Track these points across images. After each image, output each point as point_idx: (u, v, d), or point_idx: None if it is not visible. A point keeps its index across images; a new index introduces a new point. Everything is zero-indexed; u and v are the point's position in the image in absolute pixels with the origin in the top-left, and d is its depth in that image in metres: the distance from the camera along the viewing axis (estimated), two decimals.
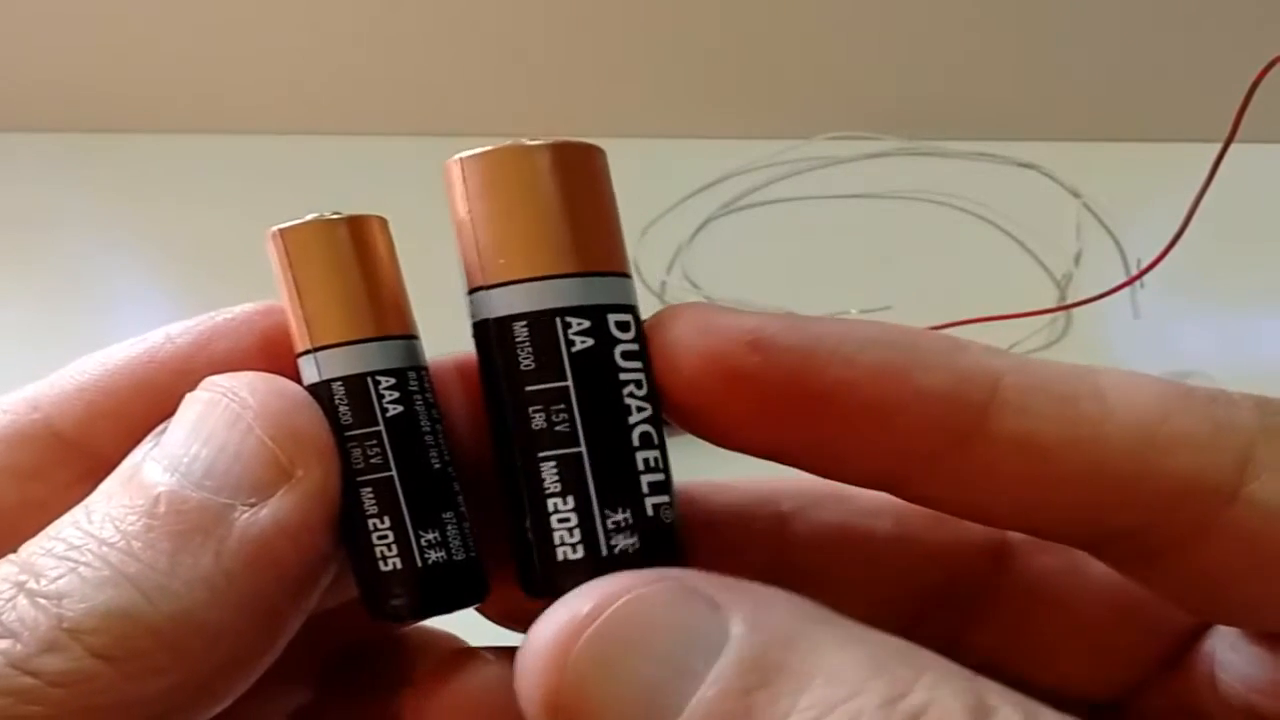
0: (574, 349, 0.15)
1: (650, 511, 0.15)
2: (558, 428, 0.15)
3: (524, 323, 0.15)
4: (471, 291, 0.15)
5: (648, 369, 0.15)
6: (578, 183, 0.15)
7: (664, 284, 0.56)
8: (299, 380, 0.16)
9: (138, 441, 0.16)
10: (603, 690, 0.13)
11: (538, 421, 0.15)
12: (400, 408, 0.16)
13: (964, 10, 0.62)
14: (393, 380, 0.16)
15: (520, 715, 0.16)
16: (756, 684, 0.12)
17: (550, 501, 0.15)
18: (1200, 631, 0.18)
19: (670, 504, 0.15)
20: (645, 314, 0.16)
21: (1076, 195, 0.60)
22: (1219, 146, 0.48)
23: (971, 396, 0.15)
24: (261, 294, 0.17)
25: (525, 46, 0.63)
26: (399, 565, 0.15)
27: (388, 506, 0.15)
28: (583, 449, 0.15)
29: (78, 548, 0.14)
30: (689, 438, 0.16)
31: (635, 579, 0.14)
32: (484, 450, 0.17)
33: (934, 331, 0.15)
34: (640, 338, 0.15)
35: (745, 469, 0.18)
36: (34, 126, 0.62)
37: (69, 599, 0.14)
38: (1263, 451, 0.14)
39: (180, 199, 0.60)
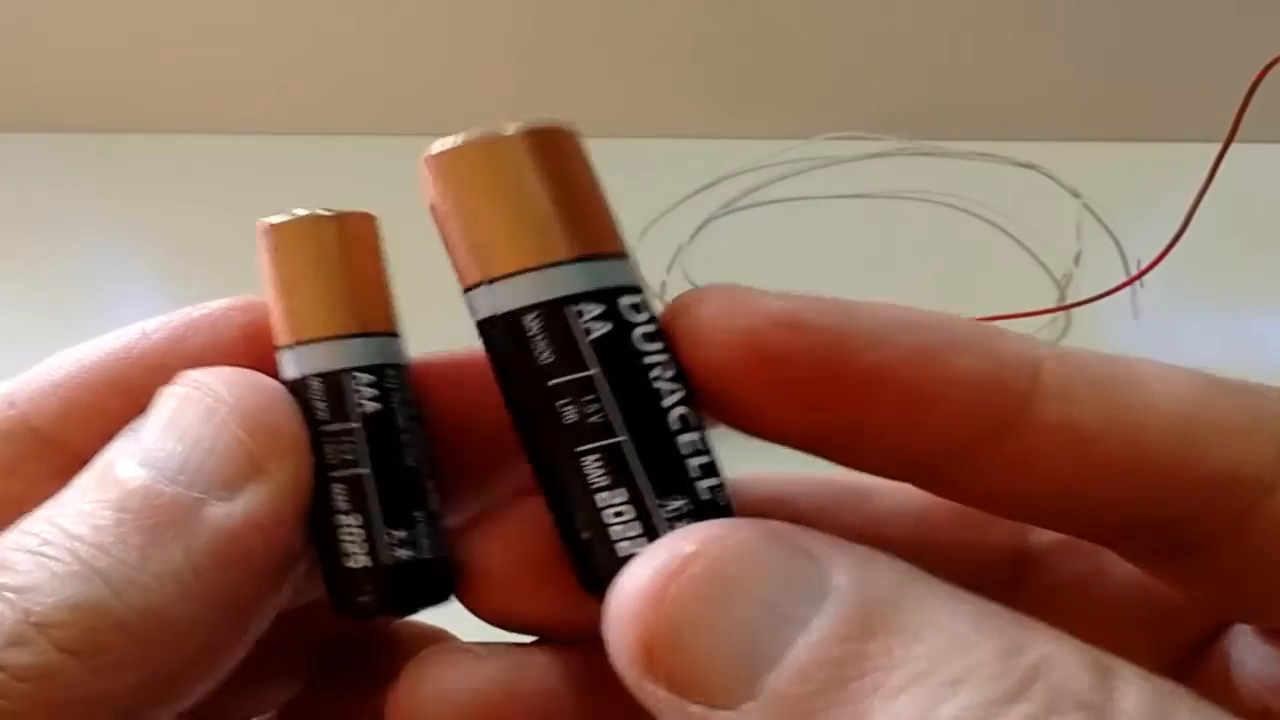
0: (592, 335, 0.14)
1: (705, 495, 0.14)
2: (591, 419, 0.14)
3: (534, 314, 0.14)
4: (469, 289, 0.15)
5: (670, 351, 0.15)
6: (560, 165, 0.15)
7: (664, 284, 0.56)
8: (278, 375, 0.16)
9: (112, 437, 0.16)
10: (702, 631, 0.12)
11: (569, 415, 0.14)
12: (377, 405, 0.16)
13: (964, 10, 0.62)
14: (370, 377, 0.16)
15: (503, 711, 0.16)
16: (863, 634, 0.12)
17: (600, 496, 0.14)
18: (1214, 634, 0.18)
19: (722, 487, 0.15)
20: None
21: (1076, 195, 0.60)
22: (1219, 146, 0.48)
23: (1014, 382, 0.14)
24: (259, 292, 0.17)
25: (524, 46, 0.63)
26: (366, 562, 0.15)
27: (358, 503, 0.15)
28: (625, 438, 0.14)
29: (49, 542, 0.14)
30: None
31: (734, 525, 0.13)
32: (476, 450, 0.17)
33: (967, 318, 0.15)
34: (654, 319, 0.15)
35: (763, 464, 0.18)
36: (34, 126, 0.63)
37: (37, 593, 0.14)
38: None
39: (179, 199, 0.60)
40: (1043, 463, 0.14)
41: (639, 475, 0.14)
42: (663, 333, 0.15)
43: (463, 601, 0.16)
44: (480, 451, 0.17)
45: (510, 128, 0.15)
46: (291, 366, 0.16)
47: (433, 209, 0.15)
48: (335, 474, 0.15)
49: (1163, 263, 0.50)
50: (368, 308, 0.16)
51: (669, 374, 0.14)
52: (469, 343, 0.17)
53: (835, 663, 0.12)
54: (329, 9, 0.62)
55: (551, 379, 0.14)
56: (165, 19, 0.61)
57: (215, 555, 0.14)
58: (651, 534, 0.14)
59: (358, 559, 0.15)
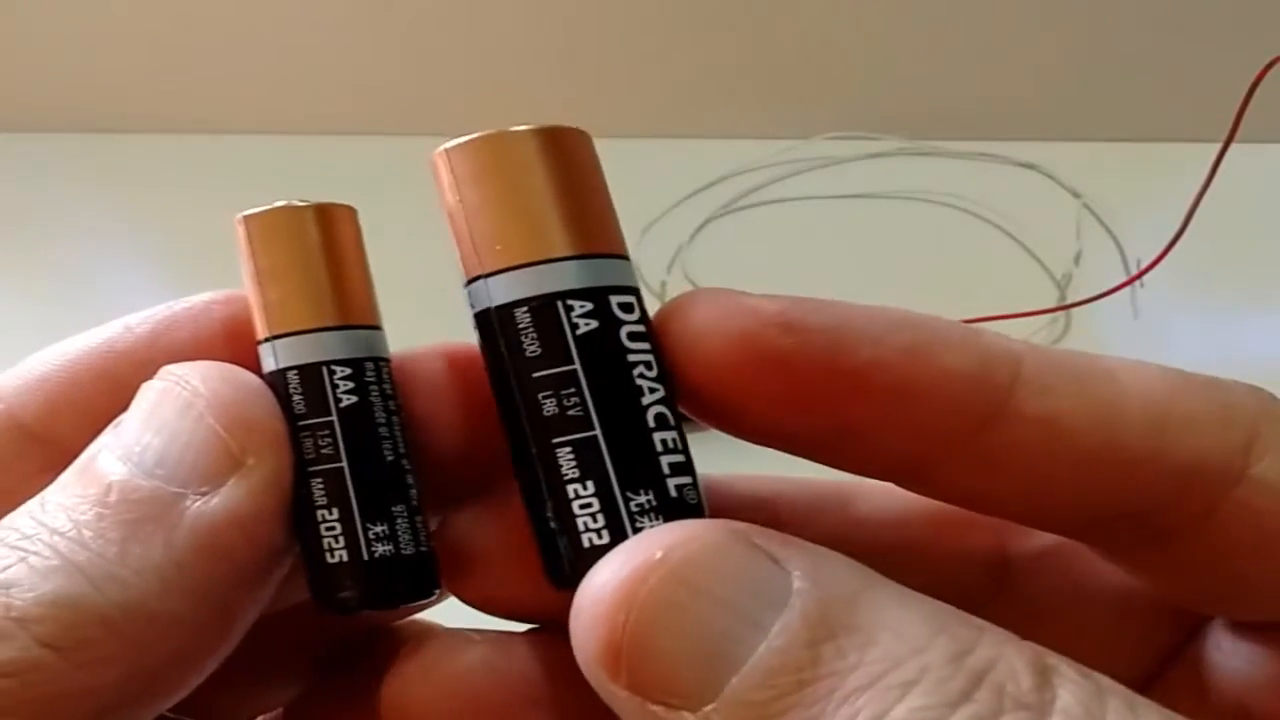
0: (578, 331, 0.15)
1: (674, 493, 0.15)
2: (570, 412, 0.14)
3: (526, 308, 0.15)
4: (469, 282, 0.15)
5: (656, 351, 0.15)
6: (567, 165, 0.15)
7: (664, 284, 0.56)
8: (259, 369, 0.16)
9: (99, 431, 0.16)
10: (667, 635, 0.13)
11: (549, 408, 0.15)
12: (354, 398, 0.16)
13: (965, 10, 0.62)
14: (348, 370, 0.16)
15: (498, 697, 0.16)
16: (822, 637, 0.12)
17: (570, 488, 0.14)
18: (1191, 636, 0.18)
19: (694, 485, 0.15)
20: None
21: (1076, 195, 0.60)
22: (1219, 146, 0.48)
23: (997, 376, 0.15)
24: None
25: (525, 46, 0.63)
26: (345, 557, 0.15)
27: (336, 498, 0.15)
28: (598, 432, 0.14)
29: (29, 537, 0.14)
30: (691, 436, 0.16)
31: (697, 526, 0.13)
32: (466, 442, 0.17)
33: (945, 318, 0.15)
34: (645, 319, 0.15)
35: (745, 467, 0.18)
36: (34, 126, 0.63)
37: (17, 588, 0.14)
38: (1265, 432, 0.15)
39: (179, 199, 0.60)
40: (1023, 455, 0.15)
41: (609, 468, 0.14)
42: (653, 333, 0.15)
43: (450, 587, 0.16)
44: (466, 446, 0.17)
45: (522, 127, 0.15)
46: (271, 360, 0.16)
47: (443, 204, 0.15)
48: (314, 468, 0.15)
49: (1163, 263, 0.50)
50: (346, 300, 0.16)
51: (652, 373, 0.15)
52: (458, 339, 0.17)
53: (795, 667, 0.12)
54: (329, 9, 0.62)
55: (536, 371, 0.15)
56: (165, 19, 0.61)
57: (196, 550, 0.14)
58: (615, 526, 0.14)
59: (337, 554, 0.15)
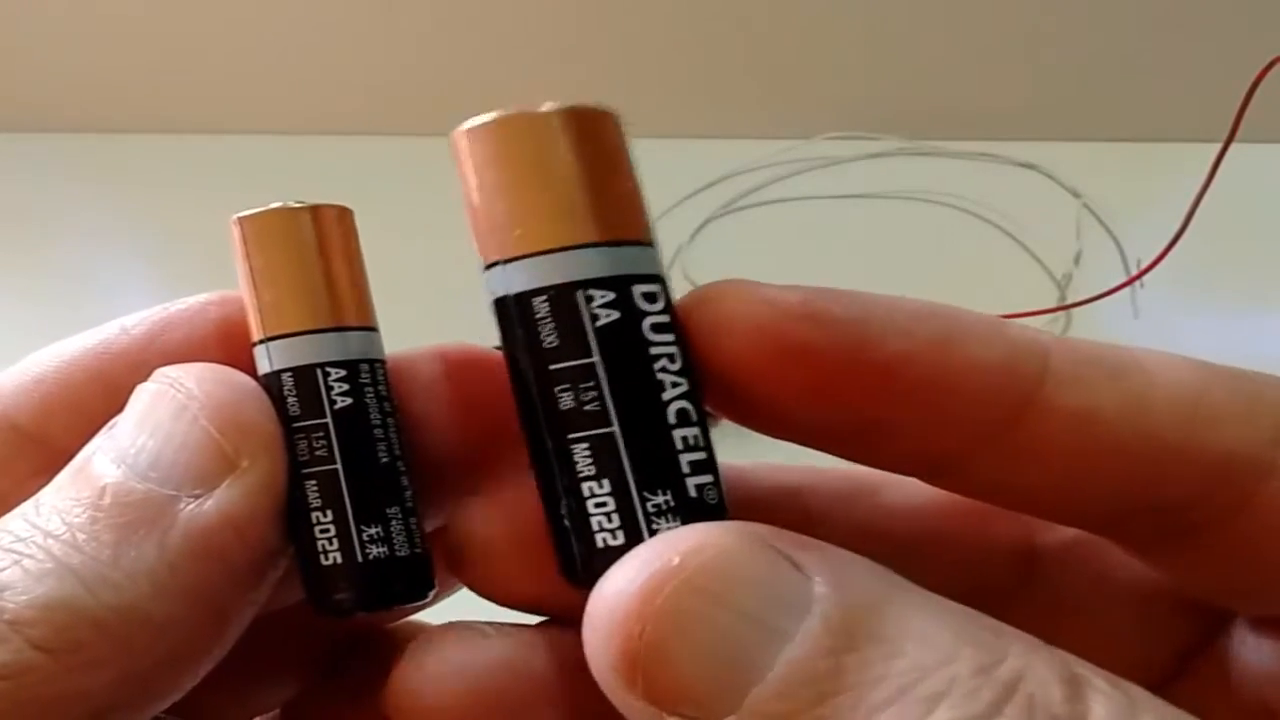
0: (599, 323, 0.14)
1: (693, 493, 0.14)
2: (587, 407, 0.14)
3: (544, 297, 0.14)
4: (487, 268, 0.15)
5: (681, 343, 0.14)
6: (593, 148, 0.15)
7: None
8: (255, 370, 0.16)
9: (94, 432, 0.16)
10: (686, 646, 0.12)
11: (566, 401, 0.14)
12: (349, 400, 0.16)
13: (965, 11, 0.61)
14: (343, 372, 0.16)
15: (518, 695, 0.15)
16: (846, 646, 0.12)
17: (585, 485, 0.14)
18: (1214, 631, 0.18)
19: (715, 484, 0.14)
20: None
21: (1076, 195, 0.60)
22: (1219, 146, 0.48)
23: (1026, 368, 0.14)
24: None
25: (525, 47, 0.63)
26: (339, 559, 0.15)
27: (330, 500, 0.15)
28: (615, 429, 0.14)
29: (23, 540, 0.14)
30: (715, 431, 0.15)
31: (715, 531, 0.13)
32: (463, 443, 0.17)
33: (968, 309, 0.15)
34: (670, 310, 0.14)
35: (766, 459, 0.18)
36: (34, 126, 0.63)
37: (10, 591, 0.14)
38: None
39: (180, 199, 0.60)
40: (1053, 448, 0.14)
41: (626, 467, 0.14)
42: (678, 325, 0.14)
43: (460, 576, 0.16)
44: (463, 448, 0.17)
45: (547, 106, 0.15)
46: (265, 361, 0.16)
47: (463, 185, 0.15)
48: (308, 470, 0.15)
49: (1163, 263, 0.50)
50: (341, 301, 0.16)
51: (675, 366, 0.14)
52: (455, 340, 0.17)
53: (818, 677, 0.12)
54: (330, 9, 0.62)
55: (554, 364, 0.14)
56: (166, 19, 0.61)
57: (190, 552, 0.14)
58: (631, 527, 0.14)
59: (331, 556, 0.15)
